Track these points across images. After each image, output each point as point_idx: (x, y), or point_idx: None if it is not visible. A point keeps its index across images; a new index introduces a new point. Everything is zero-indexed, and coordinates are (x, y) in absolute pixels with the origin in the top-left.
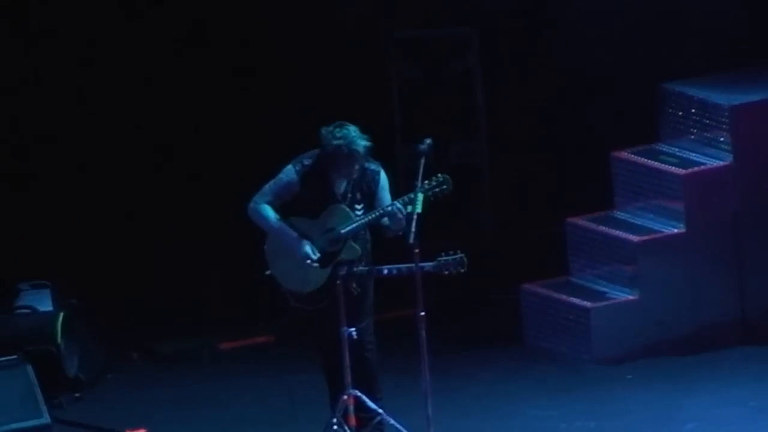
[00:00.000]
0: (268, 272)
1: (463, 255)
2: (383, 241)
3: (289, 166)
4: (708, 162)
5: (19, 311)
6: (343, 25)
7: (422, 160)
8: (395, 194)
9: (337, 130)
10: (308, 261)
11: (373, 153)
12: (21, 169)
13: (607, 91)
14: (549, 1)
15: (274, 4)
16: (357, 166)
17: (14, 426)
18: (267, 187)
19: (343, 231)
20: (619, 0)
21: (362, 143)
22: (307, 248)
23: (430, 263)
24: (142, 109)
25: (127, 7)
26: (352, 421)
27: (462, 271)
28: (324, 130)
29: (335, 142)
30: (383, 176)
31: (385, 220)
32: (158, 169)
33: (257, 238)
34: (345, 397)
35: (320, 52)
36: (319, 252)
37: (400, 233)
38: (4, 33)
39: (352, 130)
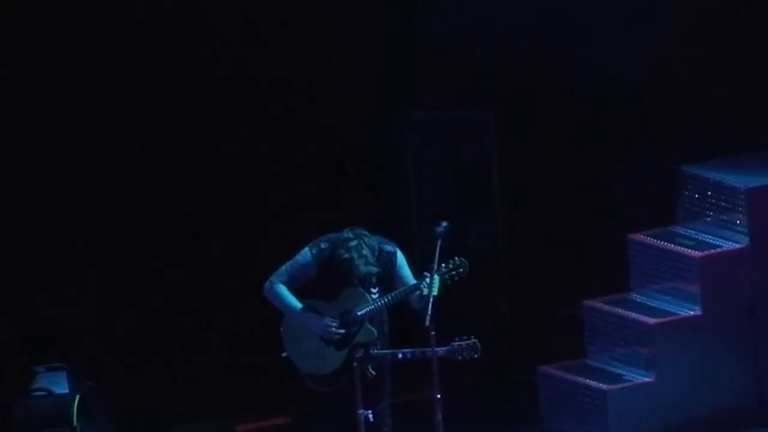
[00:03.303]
0: (284, 354)
1: (476, 340)
2: (401, 322)
3: (306, 249)
4: (724, 245)
5: (35, 393)
6: (362, 105)
7: (439, 243)
8: (412, 275)
9: (352, 242)
10: (331, 329)
11: (390, 235)
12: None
13: (623, 174)
14: (565, 87)
15: (295, 85)
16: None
17: None
18: (283, 267)
19: (359, 313)
20: (632, 85)
21: (364, 269)
22: (327, 320)
23: (444, 348)
24: (153, 190)
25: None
26: None
27: (475, 356)
28: (344, 233)
29: (344, 254)
30: (400, 255)
31: (413, 300)
32: (170, 251)
33: (273, 318)
34: None
35: (339, 132)
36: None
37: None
38: None
39: (364, 250)
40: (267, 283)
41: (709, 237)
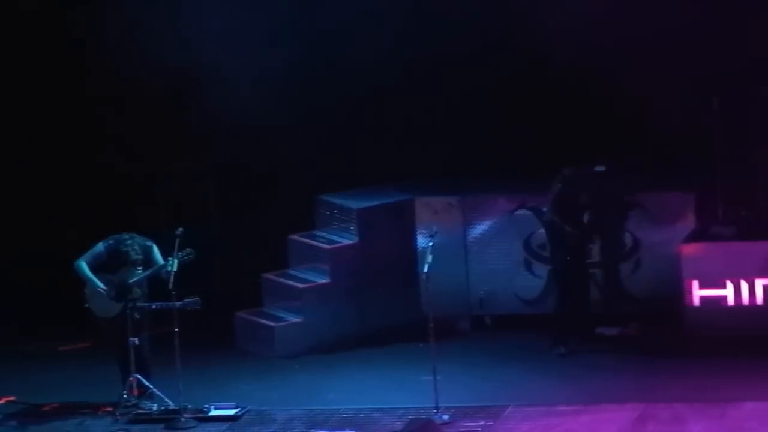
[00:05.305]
0: (86, 305)
1: (198, 298)
2: (156, 288)
3: (100, 243)
4: (343, 241)
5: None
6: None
7: (177, 240)
8: (162, 259)
9: (128, 240)
10: (102, 290)
11: (150, 236)
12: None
13: (287, 200)
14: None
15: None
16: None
17: None
18: (87, 253)
19: (130, 281)
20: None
21: (134, 256)
22: (101, 285)
23: (179, 302)
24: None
25: None
26: (135, 392)
27: (198, 308)
28: (123, 235)
29: (123, 248)
30: (155, 248)
31: (162, 273)
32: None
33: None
34: (131, 378)
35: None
36: (116, 295)
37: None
38: None
39: (135, 245)
40: (76, 262)
41: (335, 237)
